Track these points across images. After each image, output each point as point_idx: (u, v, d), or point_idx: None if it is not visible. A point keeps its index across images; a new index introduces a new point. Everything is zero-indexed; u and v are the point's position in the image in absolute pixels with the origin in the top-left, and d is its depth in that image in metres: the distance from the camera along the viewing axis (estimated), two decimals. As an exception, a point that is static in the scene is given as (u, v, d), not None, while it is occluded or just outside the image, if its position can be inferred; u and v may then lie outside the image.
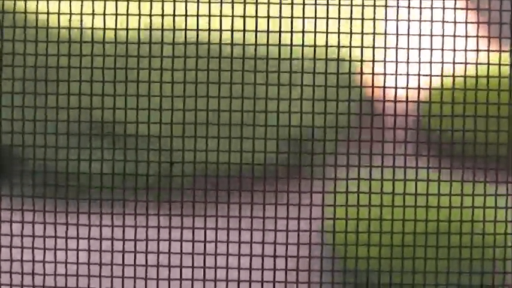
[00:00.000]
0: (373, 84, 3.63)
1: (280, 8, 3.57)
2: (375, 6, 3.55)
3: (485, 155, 4.23)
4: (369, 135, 3.75)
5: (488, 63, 3.34)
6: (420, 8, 3.56)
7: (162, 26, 3.65)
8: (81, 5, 3.58)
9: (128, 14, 3.29)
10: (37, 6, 4.08)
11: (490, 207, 3.59)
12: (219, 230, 3.94)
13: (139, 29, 3.75)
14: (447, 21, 3.52)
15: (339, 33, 3.42)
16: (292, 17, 3.48)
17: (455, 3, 3.65)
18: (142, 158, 4.26)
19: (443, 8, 3.50)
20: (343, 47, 3.42)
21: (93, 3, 3.81)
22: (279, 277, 3.74)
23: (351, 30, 3.53)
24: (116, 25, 3.82)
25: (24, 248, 3.55)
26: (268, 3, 3.43)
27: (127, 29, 3.74)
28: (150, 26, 3.91)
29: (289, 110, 3.79)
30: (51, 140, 4.13)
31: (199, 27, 3.92)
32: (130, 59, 3.99)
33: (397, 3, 3.51)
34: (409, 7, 3.40)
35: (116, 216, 3.95)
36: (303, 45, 3.46)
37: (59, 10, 3.91)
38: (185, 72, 3.85)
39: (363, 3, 3.39)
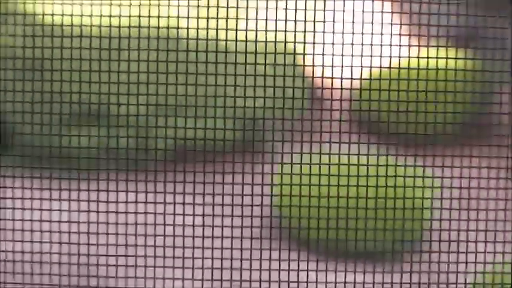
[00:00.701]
0: (313, 74, 3.60)
1: (247, 12, 3.57)
2: (315, 10, 3.56)
3: (406, 133, 4.22)
4: (310, 116, 3.75)
5: (409, 57, 3.33)
6: (353, 11, 3.63)
7: (139, 25, 3.62)
8: (72, 8, 3.57)
9: (110, 16, 3.27)
10: (34, 7, 4.07)
11: (410, 176, 3.58)
12: (187, 195, 4.00)
13: (119, 27, 3.72)
14: (376, 23, 3.56)
15: (285, 31, 3.43)
16: (246, 19, 3.51)
17: (382, 7, 3.68)
18: (123, 134, 4.13)
19: (372, 12, 3.55)
20: (289, 42, 3.40)
21: (81, 7, 3.77)
22: (237, 234, 3.81)
23: (301, 31, 3.52)
24: (100, 23, 3.82)
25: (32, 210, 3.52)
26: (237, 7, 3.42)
27: (110, 27, 3.73)
28: (130, 25, 3.86)
29: (244, 95, 3.71)
30: (47, 119, 4.09)
31: (172, 26, 3.88)
32: (113, 51, 3.99)
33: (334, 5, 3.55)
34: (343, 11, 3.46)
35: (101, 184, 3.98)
36: (256, 41, 3.43)
37: (52, 11, 3.87)
38: (158, 64, 3.85)
39: (306, 7, 3.39)
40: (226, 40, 3.18)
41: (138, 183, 4.09)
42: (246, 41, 3.34)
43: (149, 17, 3.04)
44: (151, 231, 3.80)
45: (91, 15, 3.25)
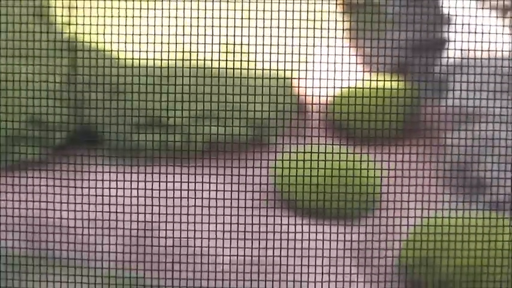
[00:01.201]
0: (298, 90, 3.56)
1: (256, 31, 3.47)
2: (306, 37, 3.48)
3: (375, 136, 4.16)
4: (298, 122, 3.70)
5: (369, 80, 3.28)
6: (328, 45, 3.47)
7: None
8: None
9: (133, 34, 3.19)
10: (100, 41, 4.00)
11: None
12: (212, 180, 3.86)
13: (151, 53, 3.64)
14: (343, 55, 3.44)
15: (284, 63, 3.31)
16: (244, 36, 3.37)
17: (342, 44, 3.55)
18: (172, 137, 4.20)
19: (342, 47, 3.41)
20: (281, 63, 3.36)
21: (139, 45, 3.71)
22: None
23: (296, 61, 3.47)
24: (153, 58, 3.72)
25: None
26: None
27: (161, 60, 3.64)
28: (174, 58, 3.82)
29: (251, 108, 3.70)
30: (123, 125, 4.05)
31: (186, 51, 3.82)
32: (163, 79, 3.91)
33: (314, 42, 3.43)
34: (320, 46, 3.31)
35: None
36: (255, 68, 3.36)
37: (118, 48, 3.79)
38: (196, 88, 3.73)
39: (300, 35, 3.32)
40: (240, 69, 2.97)
41: (183, 172, 3.93)
42: (255, 69, 3.15)
43: (183, 52, 2.93)
44: (198, 203, 3.63)
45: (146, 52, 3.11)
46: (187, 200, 3.56)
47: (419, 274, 3.27)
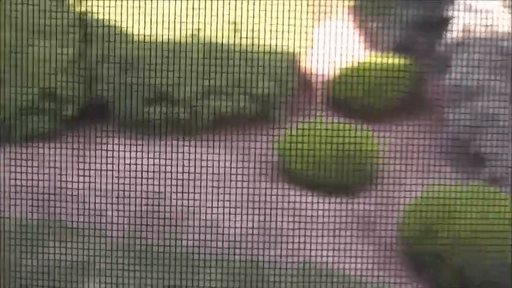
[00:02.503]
0: (305, 68, 3.59)
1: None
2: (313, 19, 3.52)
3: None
4: (303, 97, 3.74)
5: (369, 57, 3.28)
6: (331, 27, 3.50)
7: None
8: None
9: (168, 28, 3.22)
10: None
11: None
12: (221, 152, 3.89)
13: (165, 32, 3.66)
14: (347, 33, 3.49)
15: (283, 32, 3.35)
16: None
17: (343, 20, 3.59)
18: (181, 110, 4.23)
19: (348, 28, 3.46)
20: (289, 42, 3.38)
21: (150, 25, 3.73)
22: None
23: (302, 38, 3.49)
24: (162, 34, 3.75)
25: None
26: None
27: (168, 36, 3.66)
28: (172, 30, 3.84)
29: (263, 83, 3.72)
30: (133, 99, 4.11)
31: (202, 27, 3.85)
32: (170, 55, 3.94)
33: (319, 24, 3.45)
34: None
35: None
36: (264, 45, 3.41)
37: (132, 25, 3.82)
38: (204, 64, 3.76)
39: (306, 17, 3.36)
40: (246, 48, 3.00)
41: (191, 144, 3.96)
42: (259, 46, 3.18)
43: (192, 29, 2.97)
44: (205, 176, 3.68)
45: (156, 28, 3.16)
46: (195, 172, 3.62)
47: (419, 246, 3.33)
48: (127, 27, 4.11)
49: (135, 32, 4.09)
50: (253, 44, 3.91)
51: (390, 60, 4.31)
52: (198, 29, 4.16)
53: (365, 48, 4.41)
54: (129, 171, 3.57)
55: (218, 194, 3.41)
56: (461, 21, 4.06)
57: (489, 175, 3.85)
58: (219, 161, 3.76)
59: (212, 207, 3.57)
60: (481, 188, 3.61)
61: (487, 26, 3.97)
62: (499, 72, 3.90)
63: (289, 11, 3.38)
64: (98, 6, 3.59)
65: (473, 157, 3.95)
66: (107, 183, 3.63)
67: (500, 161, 3.89)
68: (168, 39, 4.05)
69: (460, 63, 4.02)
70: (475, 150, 3.94)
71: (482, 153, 3.91)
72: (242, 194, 3.05)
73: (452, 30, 4.11)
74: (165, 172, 3.68)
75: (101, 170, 3.52)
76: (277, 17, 3.33)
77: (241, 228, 3.43)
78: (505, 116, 3.85)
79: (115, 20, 4.09)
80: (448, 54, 4.14)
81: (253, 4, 3.42)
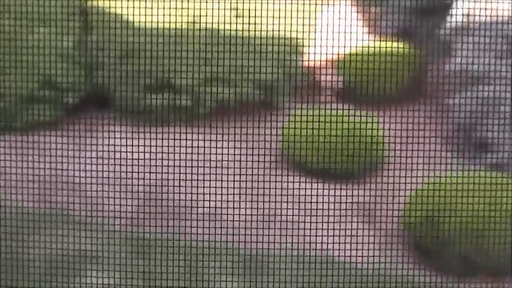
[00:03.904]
0: (309, 54, 3.58)
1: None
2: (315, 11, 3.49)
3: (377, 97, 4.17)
4: (307, 83, 3.73)
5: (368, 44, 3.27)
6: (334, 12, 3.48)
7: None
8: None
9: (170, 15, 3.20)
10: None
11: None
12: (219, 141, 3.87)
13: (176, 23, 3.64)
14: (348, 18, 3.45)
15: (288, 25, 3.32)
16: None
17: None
18: (182, 98, 4.20)
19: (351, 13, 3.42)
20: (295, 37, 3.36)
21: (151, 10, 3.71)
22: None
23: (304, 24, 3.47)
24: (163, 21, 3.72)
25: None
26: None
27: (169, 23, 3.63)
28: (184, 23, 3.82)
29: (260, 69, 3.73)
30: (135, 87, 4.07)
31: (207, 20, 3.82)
32: (172, 43, 3.90)
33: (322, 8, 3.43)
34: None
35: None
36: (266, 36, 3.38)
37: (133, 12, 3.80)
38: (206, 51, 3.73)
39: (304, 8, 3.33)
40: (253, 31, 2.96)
41: (193, 132, 3.93)
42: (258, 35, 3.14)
43: (194, 15, 2.93)
44: (207, 163, 3.64)
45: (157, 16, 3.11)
46: (198, 160, 3.59)
47: (423, 233, 3.31)
48: (127, 14, 4.06)
49: (136, 19, 4.04)
50: (255, 30, 3.86)
51: (393, 46, 4.28)
52: (200, 15, 4.11)
53: (368, 33, 4.37)
54: (131, 159, 3.52)
55: (221, 181, 3.37)
56: (464, 6, 4.01)
57: (492, 161, 3.81)
58: (222, 148, 3.72)
59: (216, 195, 3.54)
60: (484, 173, 3.57)
61: (489, 10, 3.92)
62: (502, 57, 3.86)
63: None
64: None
65: (476, 143, 3.91)
66: (108, 171, 3.58)
67: (503, 145, 3.85)
68: (170, 26, 4.00)
69: (463, 47, 3.97)
70: (478, 136, 3.90)
71: (486, 138, 3.87)
72: (246, 181, 3.02)
73: (454, 15, 4.06)
74: (167, 160, 3.64)
75: (103, 158, 3.48)
76: (280, 3, 3.29)
77: (245, 216, 3.40)
78: (508, 101, 3.81)
79: (115, 7, 4.05)
80: (451, 39, 4.09)
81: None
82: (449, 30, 4.10)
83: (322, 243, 3.29)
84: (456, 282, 3.23)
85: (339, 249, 3.26)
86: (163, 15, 3.81)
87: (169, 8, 3.92)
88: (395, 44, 4.31)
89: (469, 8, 3.99)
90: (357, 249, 3.21)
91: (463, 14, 4.02)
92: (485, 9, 3.89)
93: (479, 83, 3.95)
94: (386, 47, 4.23)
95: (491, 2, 3.82)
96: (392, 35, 4.50)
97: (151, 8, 3.97)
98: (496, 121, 3.83)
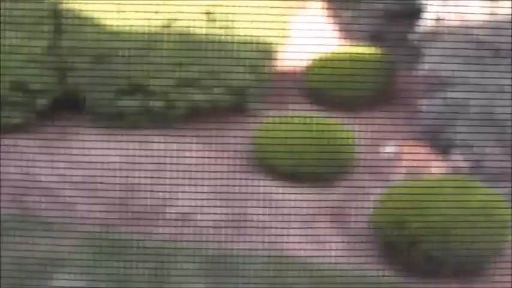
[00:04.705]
0: (281, 59, 3.60)
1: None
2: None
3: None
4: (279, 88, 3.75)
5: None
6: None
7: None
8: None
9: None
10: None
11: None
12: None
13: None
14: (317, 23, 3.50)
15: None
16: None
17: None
18: (153, 101, 4.20)
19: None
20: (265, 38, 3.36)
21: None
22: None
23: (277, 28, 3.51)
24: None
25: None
26: None
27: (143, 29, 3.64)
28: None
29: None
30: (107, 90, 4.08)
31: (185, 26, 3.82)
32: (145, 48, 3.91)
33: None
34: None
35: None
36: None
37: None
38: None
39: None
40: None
41: (165, 135, 3.95)
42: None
43: (167, 19, 2.95)
44: (179, 167, 3.66)
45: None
46: (169, 164, 3.60)
47: (392, 233, 3.36)
48: (100, 18, 4.07)
49: (109, 22, 4.05)
50: (228, 35, 3.88)
51: (364, 50, 4.32)
52: (173, 19, 4.13)
53: (339, 38, 4.41)
54: (103, 162, 3.54)
55: (193, 185, 3.40)
56: (434, 11, 4.08)
57: (460, 163, 3.88)
58: (194, 151, 3.75)
59: (187, 199, 3.56)
60: (453, 176, 3.64)
61: (458, 14, 3.99)
62: (470, 61, 3.93)
63: (263, 1, 3.37)
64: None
65: (444, 145, 3.98)
66: (80, 175, 3.59)
67: (471, 148, 3.92)
68: (142, 30, 4.02)
69: (432, 52, 4.04)
70: (446, 138, 3.97)
71: (454, 140, 3.94)
72: (217, 185, 3.04)
73: (424, 19, 4.13)
74: (139, 163, 3.66)
75: (74, 161, 3.49)
76: (253, 7, 3.32)
77: (216, 218, 3.42)
78: (476, 104, 3.88)
79: (88, 11, 4.06)
80: (421, 44, 4.15)
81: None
82: (419, 35, 4.16)
83: (292, 244, 3.33)
84: (423, 282, 3.28)
85: (308, 250, 3.31)
86: (136, 19, 3.83)
87: (142, 11, 3.94)
88: (366, 49, 4.36)
89: (438, 13, 4.06)
90: (325, 250, 3.26)
91: (432, 19, 4.09)
92: (455, 13, 3.96)
93: (447, 86, 4.01)
94: (357, 52, 4.28)
95: (459, 8, 3.89)
96: (364, 39, 4.56)
97: (124, 12, 3.99)
98: (463, 124, 3.90)
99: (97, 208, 3.43)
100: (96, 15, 4.05)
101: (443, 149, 3.99)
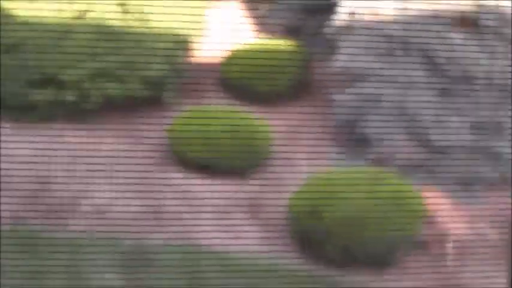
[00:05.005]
0: (196, 51, 3.58)
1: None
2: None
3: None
4: (194, 80, 3.74)
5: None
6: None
7: None
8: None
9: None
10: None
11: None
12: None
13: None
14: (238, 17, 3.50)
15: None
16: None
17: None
18: (68, 93, 4.12)
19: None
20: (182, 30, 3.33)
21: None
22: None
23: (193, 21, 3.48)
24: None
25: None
26: None
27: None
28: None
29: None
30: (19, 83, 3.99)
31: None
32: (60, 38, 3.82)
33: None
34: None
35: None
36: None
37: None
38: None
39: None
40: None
41: (79, 128, 3.90)
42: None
43: (80, 10, 2.92)
44: (94, 159, 3.63)
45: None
46: (84, 156, 3.56)
47: (306, 225, 3.40)
48: (11, 8, 3.98)
49: (20, 13, 3.96)
50: (143, 26, 3.85)
51: (279, 43, 4.35)
52: (86, 10, 4.07)
53: (255, 31, 4.44)
54: (14, 155, 3.48)
55: (107, 178, 3.37)
56: (348, 5, 4.13)
57: (373, 155, 3.95)
58: (109, 144, 3.72)
59: (101, 192, 3.52)
60: (365, 168, 3.71)
61: (371, 9, 4.06)
62: (382, 55, 4.01)
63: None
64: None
65: (358, 139, 4.04)
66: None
67: (383, 141, 4.00)
68: (55, 20, 3.94)
69: (346, 46, 4.09)
70: (360, 132, 4.04)
71: (367, 134, 4.00)
72: (132, 178, 3.02)
73: (339, 13, 4.18)
74: (53, 156, 3.61)
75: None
76: (168, 0, 3.32)
77: (132, 210, 3.40)
78: (388, 98, 3.95)
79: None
80: (335, 38, 4.20)
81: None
82: (334, 29, 4.21)
83: (207, 235, 3.34)
84: (337, 272, 3.34)
85: (224, 242, 3.32)
86: (48, 9, 3.76)
87: (55, 1, 3.87)
88: (281, 42, 4.40)
89: (353, 8, 4.11)
90: (241, 242, 3.28)
91: (347, 14, 4.14)
92: (368, 8, 4.03)
93: (361, 80, 4.08)
94: (273, 45, 4.31)
95: (374, 1, 3.96)
96: (279, 33, 4.59)
97: (36, 2, 3.91)
98: (376, 118, 3.97)
99: (7, 201, 3.37)
100: (7, 4, 3.96)
101: (357, 141, 4.05)
